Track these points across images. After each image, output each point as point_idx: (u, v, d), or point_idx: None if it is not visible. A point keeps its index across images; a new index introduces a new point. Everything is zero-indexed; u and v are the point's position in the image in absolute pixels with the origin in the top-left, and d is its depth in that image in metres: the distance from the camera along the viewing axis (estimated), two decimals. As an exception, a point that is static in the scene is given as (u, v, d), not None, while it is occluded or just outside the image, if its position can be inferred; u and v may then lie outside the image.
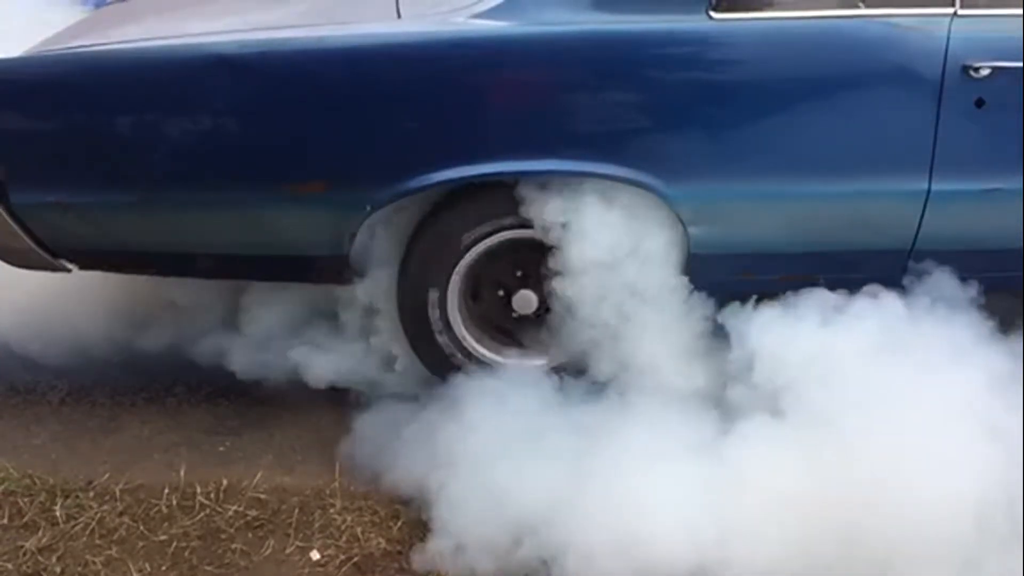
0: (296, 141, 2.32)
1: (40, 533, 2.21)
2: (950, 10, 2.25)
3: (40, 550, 2.17)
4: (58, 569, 2.12)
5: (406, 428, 2.39)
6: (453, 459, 2.22)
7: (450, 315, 2.51)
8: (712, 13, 2.22)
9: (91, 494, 2.33)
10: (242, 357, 2.74)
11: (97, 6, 3.15)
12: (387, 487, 2.30)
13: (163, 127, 2.31)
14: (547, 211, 2.34)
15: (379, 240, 2.48)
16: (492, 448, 2.20)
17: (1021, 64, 2.23)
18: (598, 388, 2.41)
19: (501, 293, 2.57)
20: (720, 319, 2.35)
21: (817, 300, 2.25)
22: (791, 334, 2.19)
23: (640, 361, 2.39)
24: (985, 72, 2.24)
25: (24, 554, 2.16)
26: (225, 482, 2.37)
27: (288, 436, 2.59)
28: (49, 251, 2.46)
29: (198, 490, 2.33)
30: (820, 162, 2.33)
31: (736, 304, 2.36)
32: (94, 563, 2.14)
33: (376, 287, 2.53)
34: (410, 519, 2.25)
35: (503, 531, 2.09)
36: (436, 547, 2.12)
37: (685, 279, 2.41)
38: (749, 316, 2.28)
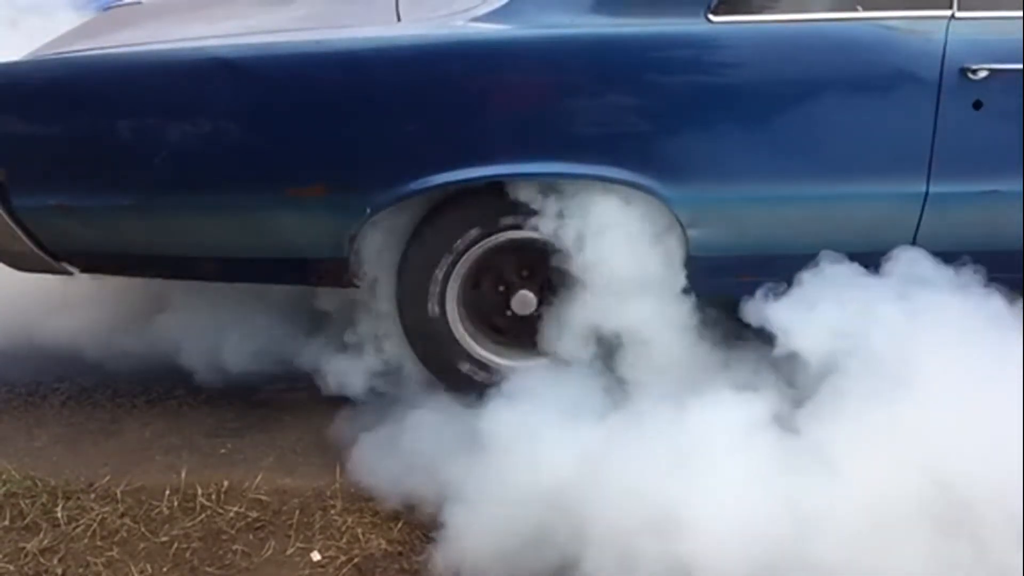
0: (296, 144, 2.33)
1: (41, 535, 2.22)
2: (948, 12, 2.25)
3: (42, 551, 2.17)
4: (59, 570, 2.13)
5: (408, 430, 2.39)
6: (460, 462, 2.22)
7: (449, 316, 2.51)
8: (711, 16, 2.23)
9: (92, 496, 2.34)
10: (243, 360, 2.75)
11: (98, 10, 3.16)
12: (389, 491, 2.30)
13: (164, 131, 2.32)
14: (547, 213, 2.35)
15: (378, 242, 2.49)
16: (504, 449, 2.18)
17: (1019, 66, 2.24)
18: (613, 387, 2.40)
19: (500, 293, 2.57)
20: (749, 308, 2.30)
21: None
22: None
23: (642, 361, 2.39)
24: (983, 74, 2.24)
25: (26, 555, 2.16)
26: (226, 483, 2.37)
27: (289, 438, 2.60)
28: (50, 254, 2.47)
29: (199, 491, 2.34)
30: (819, 164, 2.34)
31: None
32: (95, 564, 2.14)
33: (376, 288, 2.53)
34: (410, 520, 2.26)
35: (516, 535, 2.07)
36: (443, 552, 2.11)
37: (684, 281, 2.42)
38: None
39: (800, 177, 2.35)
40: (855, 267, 2.25)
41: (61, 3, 3.40)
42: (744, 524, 1.92)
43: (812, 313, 2.17)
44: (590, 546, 2.00)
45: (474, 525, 2.09)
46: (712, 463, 2.01)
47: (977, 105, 2.27)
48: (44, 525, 2.25)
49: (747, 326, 2.29)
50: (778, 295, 2.24)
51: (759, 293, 2.26)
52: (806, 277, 2.25)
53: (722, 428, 2.08)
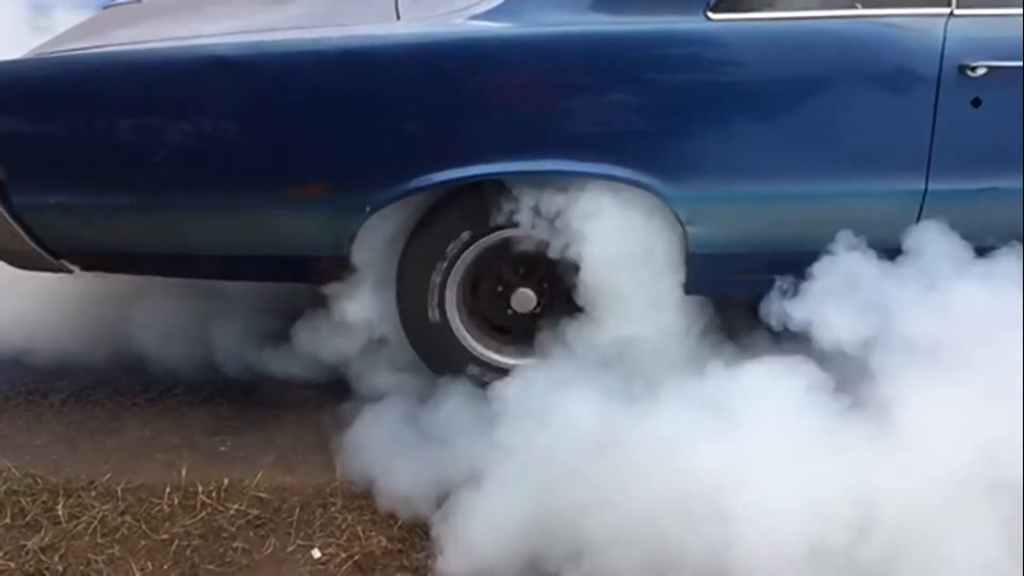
0: (296, 144, 2.33)
1: (42, 532, 2.22)
2: (946, 10, 2.25)
3: (42, 549, 2.18)
4: (60, 568, 2.13)
5: (408, 430, 2.40)
6: (462, 462, 2.22)
7: (449, 314, 2.52)
8: (710, 14, 2.23)
9: (93, 493, 2.35)
10: (242, 357, 2.75)
11: (98, 8, 3.16)
12: (389, 491, 2.30)
13: (163, 129, 2.32)
14: (545, 211, 2.35)
15: (378, 240, 2.49)
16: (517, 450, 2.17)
17: (1018, 63, 2.24)
18: (618, 385, 2.39)
19: (500, 291, 2.57)
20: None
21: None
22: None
23: (643, 358, 2.39)
24: (981, 71, 2.25)
25: (26, 553, 2.17)
26: (226, 481, 2.37)
27: (289, 436, 2.60)
28: (51, 252, 2.47)
29: (199, 489, 2.34)
30: (817, 162, 2.34)
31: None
32: (96, 562, 2.15)
33: (376, 287, 2.54)
34: (410, 518, 2.26)
35: (521, 536, 2.06)
36: (446, 554, 2.11)
37: (684, 278, 2.42)
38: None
39: (799, 174, 2.35)
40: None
41: (61, 2, 3.39)
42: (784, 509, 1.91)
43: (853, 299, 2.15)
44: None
45: (482, 518, 2.09)
46: (722, 451, 2.00)
47: (976, 102, 2.27)
48: (45, 523, 2.25)
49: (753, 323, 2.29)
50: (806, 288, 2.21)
51: (777, 291, 2.25)
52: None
53: (730, 415, 2.07)
